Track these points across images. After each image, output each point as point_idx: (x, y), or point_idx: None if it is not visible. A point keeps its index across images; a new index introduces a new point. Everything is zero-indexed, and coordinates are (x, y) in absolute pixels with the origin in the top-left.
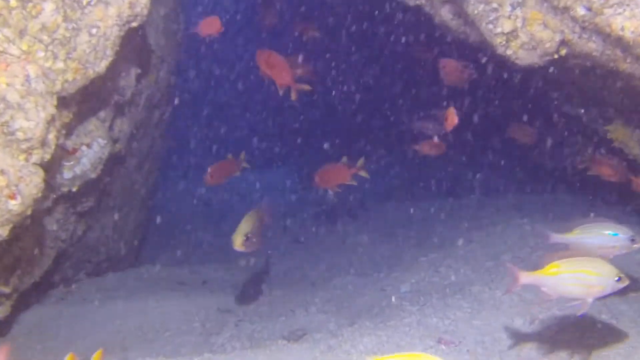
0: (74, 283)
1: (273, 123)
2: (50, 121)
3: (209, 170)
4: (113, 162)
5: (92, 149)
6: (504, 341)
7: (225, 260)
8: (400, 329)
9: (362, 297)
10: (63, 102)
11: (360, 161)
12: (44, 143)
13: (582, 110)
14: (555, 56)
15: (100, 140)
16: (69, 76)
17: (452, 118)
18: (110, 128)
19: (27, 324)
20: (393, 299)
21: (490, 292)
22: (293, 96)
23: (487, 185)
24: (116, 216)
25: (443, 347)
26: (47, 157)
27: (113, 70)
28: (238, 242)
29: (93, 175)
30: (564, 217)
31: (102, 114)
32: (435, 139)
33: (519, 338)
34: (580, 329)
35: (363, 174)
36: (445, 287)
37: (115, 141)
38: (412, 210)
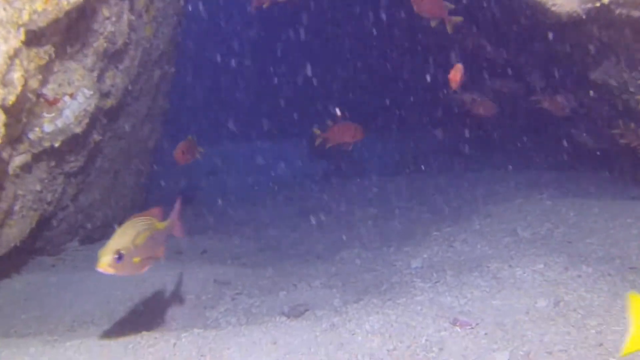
0: (67, 250)
1: (286, 93)
2: (14, 56)
3: (179, 149)
4: (106, 119)
5: (76, 100)
6: (526, 324)
7: (230, 231)
8: (411, 308)
9: (370, 272)
10: (35, 38)
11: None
12: (5, 82)
13: (613, 78)
14: (598, 4)
15: (85, 90)
16: (38, 5)
17: (455, 75)
18: (100, 79)
19: (12, 292)
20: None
21: (511, 270)
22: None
23: (502, 161)
24: (112, 179)
25: (458, 329)
26: (11, 98)
27: (97, 10)
28: (103, 261)
29: (77, 130)
30: (584, 195)
31: (88, 61)
32: (485, 100)
33: (542, 321)
34: (611, 312)
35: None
36: (460, 264)
37: (105, 95)
38: (424, 184)
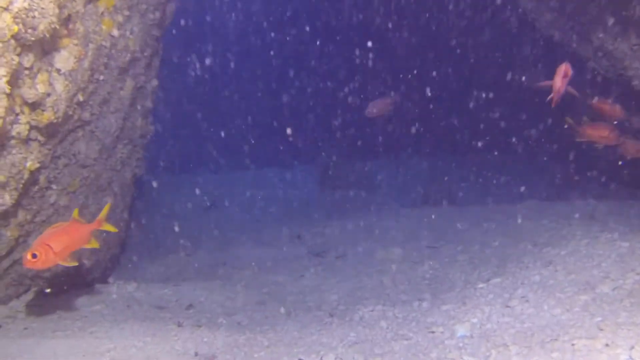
0: (21, 304)
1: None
2: None
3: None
4: (52, 141)
5: None
6: None
7: (225, 276)
8: None
9: (401, 340)
10: None
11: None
12: None
13: None
14: None
15: None
16: None
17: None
18: (20, 81)
19: None
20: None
21: (610, 352)
22: None
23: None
24: None
25: None
26: None
27: None
28: None
29: None
30: None
31: None
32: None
33: None
34: None
35: None
36: (526, 335)
37: (35, 105)
38: (455, 218)
